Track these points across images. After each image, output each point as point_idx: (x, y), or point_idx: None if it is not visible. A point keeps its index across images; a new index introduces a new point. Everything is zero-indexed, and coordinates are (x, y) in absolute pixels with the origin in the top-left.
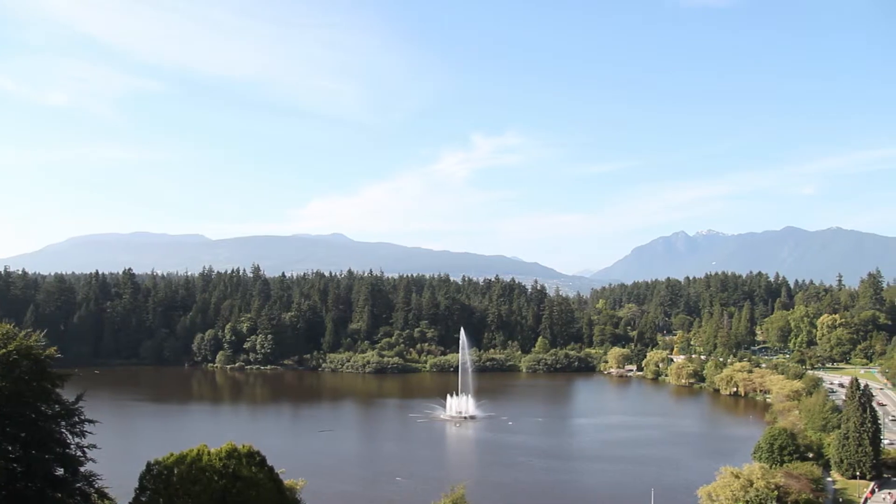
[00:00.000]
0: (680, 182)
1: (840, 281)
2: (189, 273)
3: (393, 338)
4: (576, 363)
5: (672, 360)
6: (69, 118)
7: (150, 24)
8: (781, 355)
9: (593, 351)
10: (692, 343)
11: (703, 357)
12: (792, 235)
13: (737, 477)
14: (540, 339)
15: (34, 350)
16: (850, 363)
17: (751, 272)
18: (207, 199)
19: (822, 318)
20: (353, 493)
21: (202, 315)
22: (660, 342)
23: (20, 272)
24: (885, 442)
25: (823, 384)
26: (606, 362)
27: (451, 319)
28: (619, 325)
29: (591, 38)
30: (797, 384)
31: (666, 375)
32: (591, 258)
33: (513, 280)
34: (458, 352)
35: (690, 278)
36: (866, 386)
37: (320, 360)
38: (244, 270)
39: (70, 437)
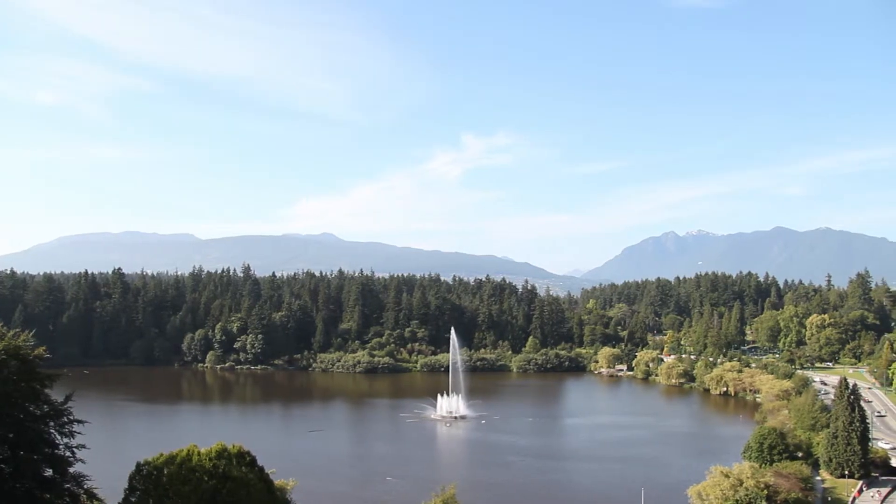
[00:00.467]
0: (670, 182)
1: (829, 281)
2: (179, 273)
3: (383, 338)
4: (566, 363)
5: (662, 359)
6: (58, 117)
7: (140, 23)
8: (771, 355)
9: (584, 351)
10: (682, 343)
11: (693, 357)
12: (781, 235)
13: (727, 476)
14: (530, 338)
15: (22, 350)
16: (839, 363)
17: (740, 272)
18: (197, 199)
19: (811, 318)
20: (344, 493)
21: (192, 315)
22: (650, 342)
23: (8, 272)
24: (883, 444)
25: (812, 384)
26: (597, 362)
27: (442, 319)
28: (610, 325)
29: (582, 39)
30: (786, 384)
31: (656, 375)
32: (582, 258)
33: (503, 280)
34: (448, 352)
35: (680, 278)
36: (855, 385)
37: (311, 360)
38: (234, 270)
39: (59, 437)
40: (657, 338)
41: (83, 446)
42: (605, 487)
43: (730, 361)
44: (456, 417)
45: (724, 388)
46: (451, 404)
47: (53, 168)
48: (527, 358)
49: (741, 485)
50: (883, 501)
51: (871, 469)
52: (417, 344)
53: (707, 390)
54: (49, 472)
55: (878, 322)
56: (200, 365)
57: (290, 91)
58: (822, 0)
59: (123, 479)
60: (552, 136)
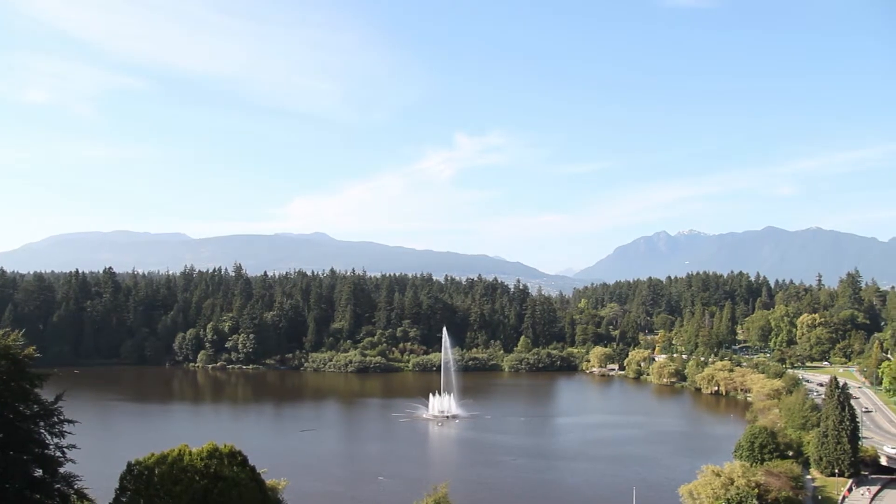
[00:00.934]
0: (662, 182)
1: (820, 281)
2: (170, 272)
3: (375, 337)
4: (558, 362)
5: (654, 359)
6: (49, 116)
7: (130, 22)
8: (762, 354)
9: (575, 350)
10: (674, 342)
11: (684, 356)
12: (772, 235)
13: (718, 475)
14: (522, 338)
15: (12, 350)
16: (829, 362)
17: (732, 272)
18: (189, 198)
19: (801, 317)
20: (336, 492)
21: (184, 314)
22: (641, 341)
23: None
24: (889, 448)
25: (803, 383)
26: (588, 361)
27: (434, 319)
28: (602, 325)
29: (575, 39)
30: (777, 383)
31: (648, 374)
32: (574, 258)
33: (495, 279)
34: (440, 351)
35: (672, 278)
36: (845, 384)
37: (302, 360)
38: (226, 269)
39: (49, 437)
40: (649, 337)
41: (73, 446)
42: (597, 487)
43: (721, 361)
44: (448, 417)
45: (716, 388)
46: (442, 404)
47: (44, 167)
48: (518, 357)
49: (732, 484)
50: (872, 500)
51: (861, 468)
52: (409, 343)
53: (698, 389)
54: (39, 473)
55: (867, 321)
56: (192, 364)
57: (283, 90)
58: (812, 1)
59: (114, 479)
60: (544, 136)
